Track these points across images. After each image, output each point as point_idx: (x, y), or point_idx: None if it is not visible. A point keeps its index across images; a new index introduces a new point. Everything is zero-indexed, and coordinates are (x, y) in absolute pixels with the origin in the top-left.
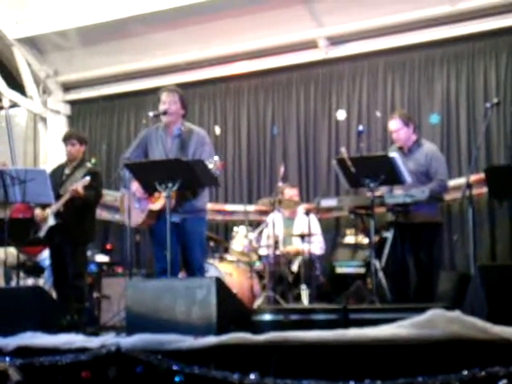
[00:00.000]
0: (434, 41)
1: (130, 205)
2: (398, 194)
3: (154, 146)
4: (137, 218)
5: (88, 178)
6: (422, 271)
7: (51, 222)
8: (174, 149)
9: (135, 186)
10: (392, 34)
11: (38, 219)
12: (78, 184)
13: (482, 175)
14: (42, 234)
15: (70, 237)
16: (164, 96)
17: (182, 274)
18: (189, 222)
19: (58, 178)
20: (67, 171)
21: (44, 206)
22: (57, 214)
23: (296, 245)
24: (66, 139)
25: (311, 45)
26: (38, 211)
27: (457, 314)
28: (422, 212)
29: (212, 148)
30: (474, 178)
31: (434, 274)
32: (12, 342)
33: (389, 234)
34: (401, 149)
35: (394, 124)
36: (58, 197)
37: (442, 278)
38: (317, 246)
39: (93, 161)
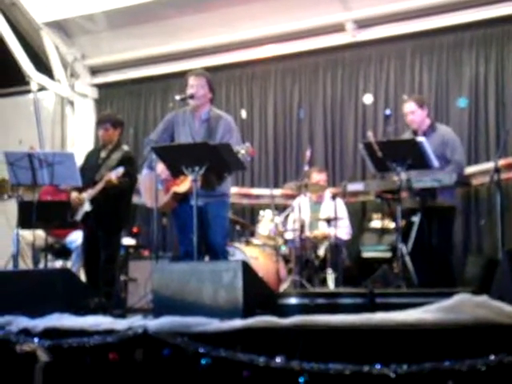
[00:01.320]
0: (462, 24)
1: (153, 186)
2: (426, 179)
3: (180, 129)
4: (160, 199)
5: (121, 170)
6: (442, 255)
7: (87, 207)
8: (202, 133)
9: (160, 167)
10: (420, 17)
11: (74, 203)
12: (112, 174)
13: (510, 159)
14: (78, 217)
15: (105, 223)
16: (191, 80)
17: (206, 257)
18: (212, 205)
19: (94, 161)
20: (103, 154)
21: (80, 190)
22: (92, 200)
23: (322, 229)
24: (99, 123)
25: (338, 28)
26: (74, 195)
27: (484, 298)
28: (443, 196)
29: (239, 134)
30: (502, 162)
31: (452, 259)
32: (40, 323)
33: (416, 219)
34: (415, 133)
35: (408, 106)
36: (94, 182)
37: (470, 263)
38: (343, 230)
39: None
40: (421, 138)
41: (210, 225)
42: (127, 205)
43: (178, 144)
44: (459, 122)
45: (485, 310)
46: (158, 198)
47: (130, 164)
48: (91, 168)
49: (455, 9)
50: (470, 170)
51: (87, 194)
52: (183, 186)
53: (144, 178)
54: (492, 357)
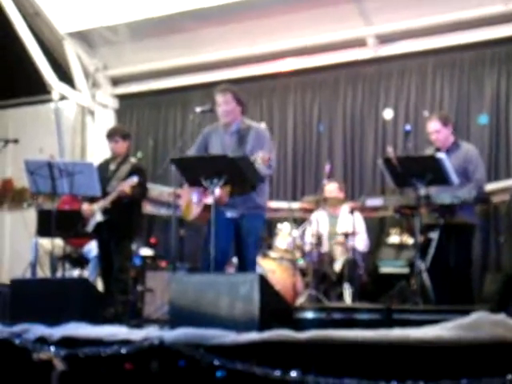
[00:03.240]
0: (484, 41)
1: (188, 199)
2: (445, 195)
3: (213, 143)
4: (194, 211)
5: (136, 179)
6: (461, 273)
7: (99, 218)
8: (232, 145)
9: None
10: (442, 34)
11: (85, 214)
12: (125, 184)
13: None
14: (89, 228)
15: (117, 233)
16: (217, 97)
17: (229, 268)
18: (247, 218)
19: (104, 173)
20: (112, 167)
21: (91, 201)
22: (104, 211)
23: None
24: (109, 136)
25: (360, 43)
26: (85, 206)
27: (502, 316)
28: (463, 213)
29: (271, 144)
30: None
31: (470, 276)
32: (57, 332)
33: (434, 235)
34: (438, 150)
35: (433, 125)
36: (104, 193)
37: (488, 280)
38: (361, 243)
39: (138, 155)
40: (441, 155)
41: (243, 238)
42: (138, 214)
43: (195, 156)
44: (480, 139)
45: (503, 328)
46: (193, 210)
47: (141, 175)
48: (101, 180)
49: (477, 25)
50: (489, 187)
51: (98, 205)
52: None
53: (177, 191)
54: (509, 376)
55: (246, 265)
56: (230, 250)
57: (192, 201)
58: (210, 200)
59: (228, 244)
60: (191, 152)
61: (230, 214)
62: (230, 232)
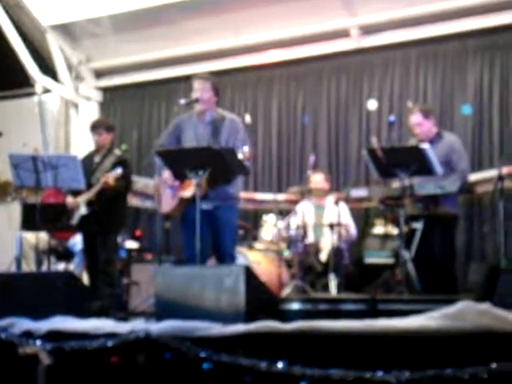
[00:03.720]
0: (467, 31)
1: (160, 191)
2: (429, 185)
3: (186, 133)
4: (168, 204)
5: (120, 171)
6: (445, 263)
7: (83, 210)
8: (206, 135)
9: (166, 173)
10: (425, 24)
11: (70, 206)
12: (110, 176)
13: None
14: (74, 221)
15: (102, 225)
16: (196, 84)
17: (211, 262)
18: (221, 209)
19: (89, 166)
20: (97, 159)
21: (75, 194)
22: (88, 203)
23: (326, 241)
24: (93, 129)
25: (343, 34)
26: (69, 199)
27: (487, 306)
28: (446, 204)
29: (246, 135)
30: (505, 169)
31: (454, 266)
32: (43, 326)
33: (418, 225)
34: (422, 142)
35: (415, 118)
36: (89, 186)
37: (472, 269)
38: (352, 231)
39: (123, 147)
40: (425, 145)
41: (219, 229)
42: (123, 207)
43: (180, 148)
44: (463, 129)
45: (487, 317)
46: (166, 203)
47: (125, 167)
48: (86, 172)
49: (460, 16)
50: (473, 177)
51: (83, 198)
52: (189, 190)
53: (155, 183)
54: (494, 365)
55: (224, 257)
56: (208, 242)
57: (165, 193)
58: (187, 193)
59: (206, 236)
60: (161, 140)
61: (204, 206)
62: (206, 224)
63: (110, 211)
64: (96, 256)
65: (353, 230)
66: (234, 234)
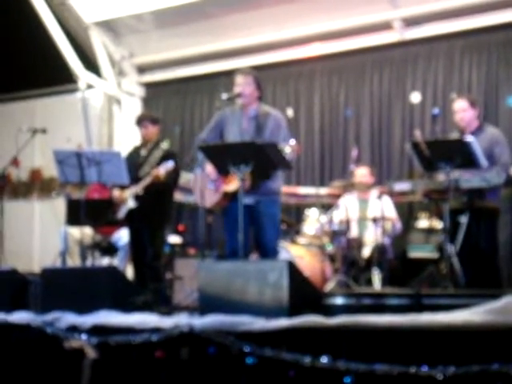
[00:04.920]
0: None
1: (203, 186)
2: (474, 178)
3: (229, 127)
4: (211, 199)
5: (172, 164)
6: (490, 257)
7: (131, 204)
8: (251, 130)
9: (209, 167)
10: (469, 15)
11: (116, 201)
12: (161, 169)
13: None
14: (120, 215)
15: (149, 220)
16: (238, 78)
17: (253, 256)
18: (263, 204)
19: (135, 160)
20: (144, 153)
21: (122, 188)
22: (136, 197)
23: (371, 228)
24: (139, 122)
25: (386, 26)
26: (116, 193)
27: None
28: (490, 197)
29: (288, 131)
30: None
31: (498, 260)
32: (88, 320)
33: (463, 219)
34: (462, 132)
35: (461, 104)
36: (136, 179)
37: None
38: (397, 225)
39: (166, 142)
40: (470, 138)
41: (261, 224)
42: (170, 201)
43: (224, 143)
44: (508, 122)
45: None
46: (208, 197)
47: (175, 160)
48: (133, 166)
49: (504, 6)
50: None
51: (131, 191)
52: (232, 185)
53: (196, 178)
54: None
55: (267, 251)
56: (250, 237)
57: (207, 188)
58: (230, 187)
59: (248, 231)
60: (203, 135)
61: (246, 200)
62: (248, 219)
63: (158, 205)
64: (142, 250)
65: (398, 224)
66: (277, 229)
